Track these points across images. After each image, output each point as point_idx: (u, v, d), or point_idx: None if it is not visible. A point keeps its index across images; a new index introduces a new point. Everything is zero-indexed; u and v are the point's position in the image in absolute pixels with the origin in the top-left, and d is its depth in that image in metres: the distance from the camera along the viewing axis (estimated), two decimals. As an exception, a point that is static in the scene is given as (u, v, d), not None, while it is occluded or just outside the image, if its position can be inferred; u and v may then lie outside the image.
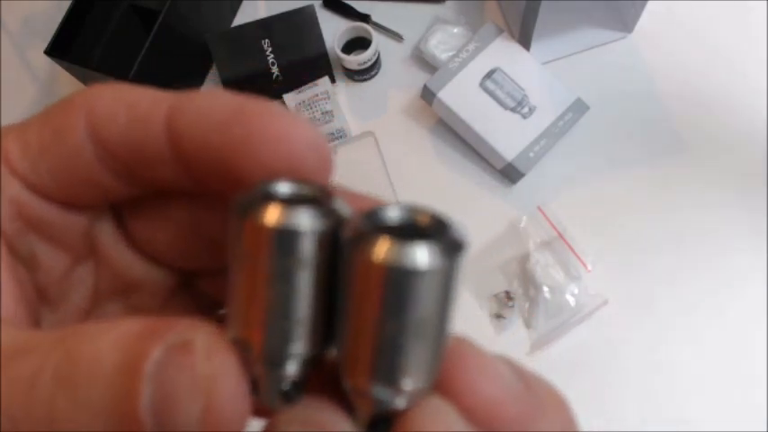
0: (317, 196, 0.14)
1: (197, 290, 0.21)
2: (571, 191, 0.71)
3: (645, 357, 0.64)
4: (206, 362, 0.12)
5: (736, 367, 0.63)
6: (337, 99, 0.75)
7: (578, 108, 0.70)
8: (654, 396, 0.63)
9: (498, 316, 0.67)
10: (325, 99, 0.73)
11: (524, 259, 0.68)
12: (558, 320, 0.66)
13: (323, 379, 0.15)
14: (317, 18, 0.75)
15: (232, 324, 0.14)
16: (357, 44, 0.76)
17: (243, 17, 0.81)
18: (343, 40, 0.76)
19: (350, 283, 0.13)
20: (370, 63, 0.75)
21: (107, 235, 0.19)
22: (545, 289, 0.66)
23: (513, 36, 0.73)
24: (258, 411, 0.15)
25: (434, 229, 0.13)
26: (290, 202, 0.13)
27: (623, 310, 0.66)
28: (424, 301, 0.12)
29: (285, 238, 0.13)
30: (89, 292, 0.19)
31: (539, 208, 0.69)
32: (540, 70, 0.72)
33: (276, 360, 0.14)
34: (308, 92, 0.74)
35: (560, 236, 0.67)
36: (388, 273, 0.12)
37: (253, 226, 0.13)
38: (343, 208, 0.14)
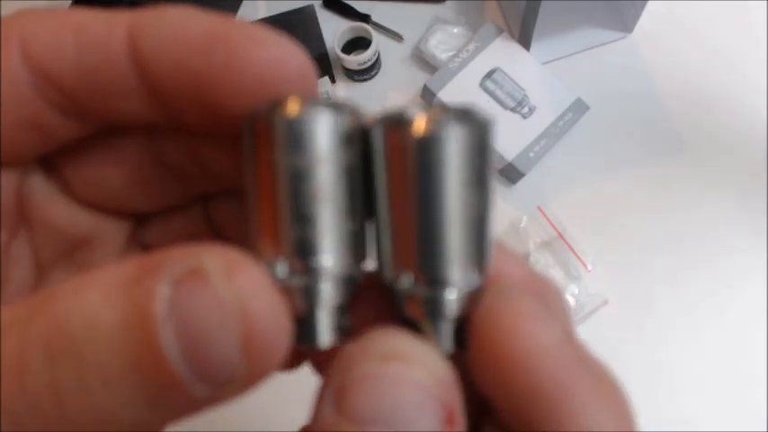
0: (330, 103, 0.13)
1: (151, 241, 0.18)
2: (571, 191, 0.71)
3: (645, 357, 0.64)
4: (228, 284, 0.10)
5: (736, 367, 0.63)
6: (337, 99, 0.75)
7: (578, 108, 0.70)
8: (654, 396, 0.63)
9: (498, 316, 0.67)
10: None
11: (524, 259, 0.68)
12: (567, 317, 0.65)
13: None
14: (316, 18, 0.75)
15: (258, 243, 0.13)
16: (357, 44, 0.76)
17: (243, 17, 0.81)
18: (343, 40, 0.76)
19: (387, 174, 0.13)
20: (370, 63, 0.75)
21: (40, 192, 0.16)
22: (545, 289, 0.66)
23: (513, 36, 0.73)
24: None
25: (458, 112, 0.13)
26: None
27: (623, 310, 0.66)
28: (458, 173, 0.12)
29: (313, 130, 0.12)
30: (31, 265, 0.16)
31: (539, 208, 0.69)
32: (540, 70, 0.72)
33: (316, 277, 0.12)
34: (308, 92, 0.74)
35: (560, 236, 0.67)
36: (426, 146, 0.12)
37: (294, 126, 0.12)
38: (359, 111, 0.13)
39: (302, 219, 0.12)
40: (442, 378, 0.11)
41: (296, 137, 0.12)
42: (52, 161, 0.16)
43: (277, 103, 0.12)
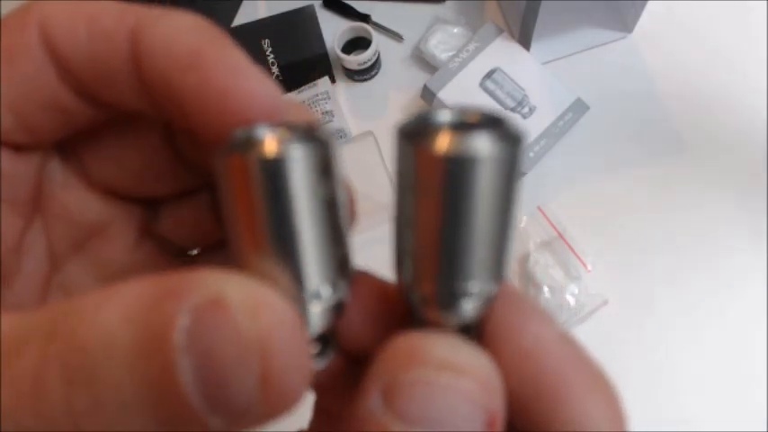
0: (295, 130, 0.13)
1: (162, 231, 0.18)
2: (571, 191, 0.71)
3: (645, 357, 0.64)
4: (252, 321, 0.10)
5: (736, 367, 0.63)
6: (337, 99, 0.75)
7: (578, 108, 0.70)
8: (654, 396, 0.63)
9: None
10: (325, 99, 0.73)
11: (524, 259, 0.68)
12: (557, 320, 0.65)
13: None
14: (316, 18, 0.75)
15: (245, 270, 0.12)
16: (357, 44, 0.76)
17: (243, 17, 0.81)
18: (343, 40, 0.76)
19: (410, 186, 0.12)
20: (370, 63, 0.75)
21: (57, 178, 0.16)
22: (545, 289, 0.66)
23: (513, 36, 0.73)
24: None
25: (489, 124, 0.12)
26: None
27: (623, 310, 0.66)
28: (486, 192, 0.12)
29: (284, 166, 0.12)
30: (45, 256, 0.16)
31: (539, 208, 0.69)
32: (540, 70, 0.72)
33: (306, 306, 0.13)
34: (307, 92, 0.74)
35: (560, 236, 0.67)
36: (451, 164, 0.11)
37: (261, 161, 0.12)
38: (327, 134, 0.13)
39: (286, 253, 0.12)
40: (490, 387, 0.12)
41: (271, 178, 0.12)
42: (69, 146, 0.16)
43: (250, 142, 0.12)
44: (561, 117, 0.70)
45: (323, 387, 0.17)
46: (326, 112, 0.73)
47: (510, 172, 0.12)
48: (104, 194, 0.17)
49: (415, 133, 0.12)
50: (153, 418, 0.10)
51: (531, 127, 0.69)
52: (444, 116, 0.12)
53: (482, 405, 0.12)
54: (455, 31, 0.76)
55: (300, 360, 0.11)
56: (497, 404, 0.12)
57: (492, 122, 0.12)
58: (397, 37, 0.79)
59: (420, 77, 0.75)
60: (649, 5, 0.69)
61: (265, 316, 0.10)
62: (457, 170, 0.12)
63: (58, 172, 0.16)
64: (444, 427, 0.11)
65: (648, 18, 0.72)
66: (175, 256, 0.18)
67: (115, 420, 0.10)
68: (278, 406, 0.11)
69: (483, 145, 0.11)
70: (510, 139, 0.12)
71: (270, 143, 0.12)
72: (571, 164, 0.71)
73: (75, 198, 0.17)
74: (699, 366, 0.64)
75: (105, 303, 0.11)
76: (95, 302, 0.11)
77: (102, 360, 0.10)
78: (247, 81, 0.13)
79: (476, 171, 0.12)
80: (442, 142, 0.11)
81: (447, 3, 0.80)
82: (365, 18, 0.79)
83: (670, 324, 0.65)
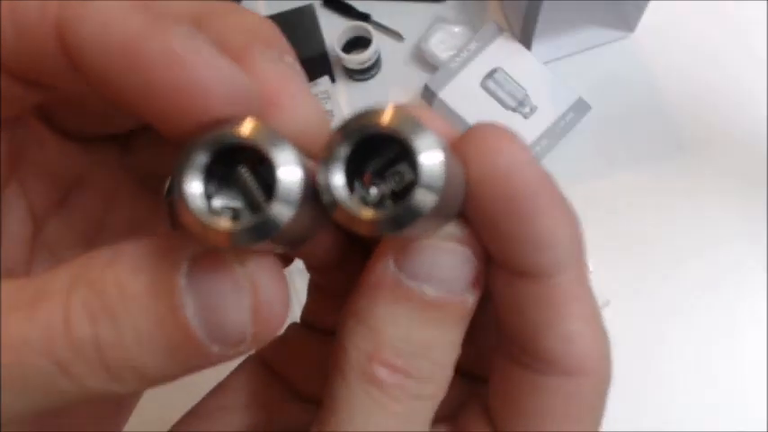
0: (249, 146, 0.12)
1: (140, 163, 0.19)
2: (572, 191, 0.70)
3: (646, 358, 0.64)
4: (241, 265, 0.12)
5: (737, 367, 0.63)
6: (337, 99, 0.75)
7: (580, 108, 0.70)
8: (654, 396, 0.62)
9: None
10: (325, 99, 0.73)
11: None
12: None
13: None
14: (316, 17, 0.75)
15: None
16: (357, 43, 0.76)
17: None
18: (343, 40, 0.75)
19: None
20: (370, 62, 0.74)
21: (32, 138, 0.17)
22: (546, 290, 0.65)
23: (514, 35, 0.72)
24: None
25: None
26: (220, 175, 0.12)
27: (625, 311, 0.65)
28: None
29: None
30: (26, 218, 0.17)
31: (540, 208, 0.68)
32: (541, 70, 0.71)
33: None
34: (307, 91, 0.74)
35: (562, 236, 0.67)
36: (374, 228, 0.13)
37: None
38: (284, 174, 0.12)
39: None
40: (479, 251, 0.15)
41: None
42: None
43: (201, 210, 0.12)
44: (563, 117, 0.69)
45: (318, 266, 0.19)
46: (326, 111, 0.73)
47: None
48: (80, 142, 0.18)
49: (330, 206, 0.13)
50: (164, 349, 0.12)
51: (532, 127, 0.69)
52: (342, 152, 0.13)
53: (475, 266, 0.15)
54: (456, 30, 0.75)
55: (282, 291, 0.13)
56: (482, 266, 0.15)
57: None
58: (397, 36, 0.78)
59: (420, 77, 0.75)
60: (651, 5, 0.69)
61: (252, 260, 0.13)
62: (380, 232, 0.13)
63: (31, 132, 0.16)
64: (445, 283, 0.14)
65: (650, 17, 0.71)
66: (156, 186, 0.20)
67: (133, 350, 0.12)
68: (266, 330, 0.13)
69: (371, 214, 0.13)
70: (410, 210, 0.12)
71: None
72: (572, 164, 0.71)
73: (53, 152, 0.17)
74: (699, 367, 0.63)
75: (116, 259, 0.13)
76: (107, 259, 0.13)
77: (119, 303, 0.12)
78: (197, 71, 0.12)
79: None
80: (340, 215, 0.13)
81: (447, 2, 0.79)
82: (365, 17, 0.79)
83: (672, 324, 0.65)
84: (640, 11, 0.71)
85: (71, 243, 0.18)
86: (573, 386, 0.15)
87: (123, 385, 0.13)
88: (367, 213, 0.12)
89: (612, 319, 0.69)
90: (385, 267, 0.14)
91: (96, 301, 0.12)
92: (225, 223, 0.12)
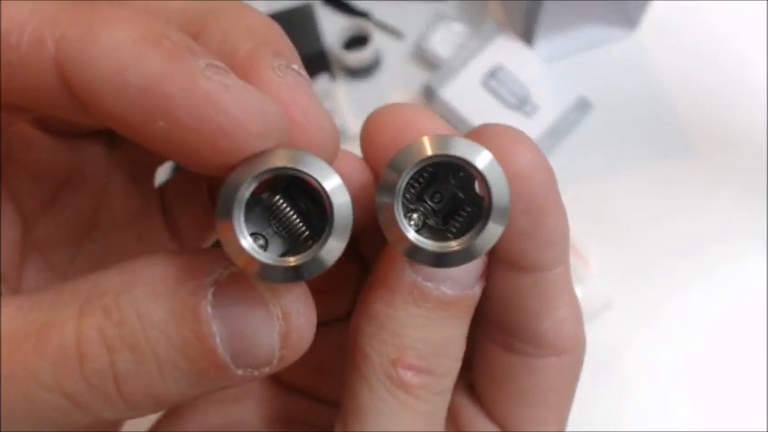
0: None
1: (129, 154, 0.19)
2: (575, 191, 0.70)
3: (647, 358, 0.63)
4: (271, 292, 0.12)
5: (738, 368, 0.63)
6: (337, 97, 0.74)
7: (582, 107, 0.69)
8: (655, 397, 0.62)
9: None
10: (324, 97, 0.72)
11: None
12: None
13: None
14: (316, 16, 0.75)
15: None
16: (357, 42, 0.75)
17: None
18: (343, 38, 0.75)
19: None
20: (369, 61, 0.74)
21: (18, 140, 0.16)
22: (548, 291, 0.65)
23: (516, 34, 0.72)
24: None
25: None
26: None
27: (627, 312, 0.65)
28: None
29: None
30: (15, 220, 0.16)
31: (542, 208, 0.68)
32: (543, 68, 0.70)
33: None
34: (307, 90, 0.73)
35: (564, 236, 0.66)
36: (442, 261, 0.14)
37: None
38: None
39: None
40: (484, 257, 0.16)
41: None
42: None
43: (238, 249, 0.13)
44: (565, 116, 0.69)
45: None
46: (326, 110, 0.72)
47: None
48: (67, 139, 0.18)
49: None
50: (188, 375, 0.12)
51: (534, 126, 0.68)
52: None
53: (484, 260, 0.16)
54: (456, 28, 0.75)
55: (311, 314, 0.13)
56: (487, 259, 0.16)
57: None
58: (397, 34, 0.78)
59: (421, 75, 0.74)
60: (654, 3, 0.69)
61: (283, 289, 0.13)
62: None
63: (17, 133, 0.16)
64: (460, 280, 0.15)
65: (653, 15, 0.71)
66: (145, 176, 0.20)
67: (155, 379, 0.12)
68: (295, 355, 0.13)
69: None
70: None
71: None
72: (575, 163, 0.70)
73: (40, 152, 0.17)
74: (701, 367, 0.63)
75: (129, 284, 0.12)
76: (118, 284, 0.12)
77: (140, 331, 0.12)
78: (229, 110, 0.11)
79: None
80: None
81: (448, 0, 0.79)
82: (365, 15, 0.78)
83: (674, 325, 0.64)
84: (643, 9, 0.71)
85: (62, 242, 0.18)
86: (561, 364, 0.17)
87: (141, 412, 0.12)
88: (443, 247, 0.13)
89: (615, 321, 0.68)
90: (401, 271, 0.15)
91: (113, 330, 0.12)
92: (285, 262, 0.12)
